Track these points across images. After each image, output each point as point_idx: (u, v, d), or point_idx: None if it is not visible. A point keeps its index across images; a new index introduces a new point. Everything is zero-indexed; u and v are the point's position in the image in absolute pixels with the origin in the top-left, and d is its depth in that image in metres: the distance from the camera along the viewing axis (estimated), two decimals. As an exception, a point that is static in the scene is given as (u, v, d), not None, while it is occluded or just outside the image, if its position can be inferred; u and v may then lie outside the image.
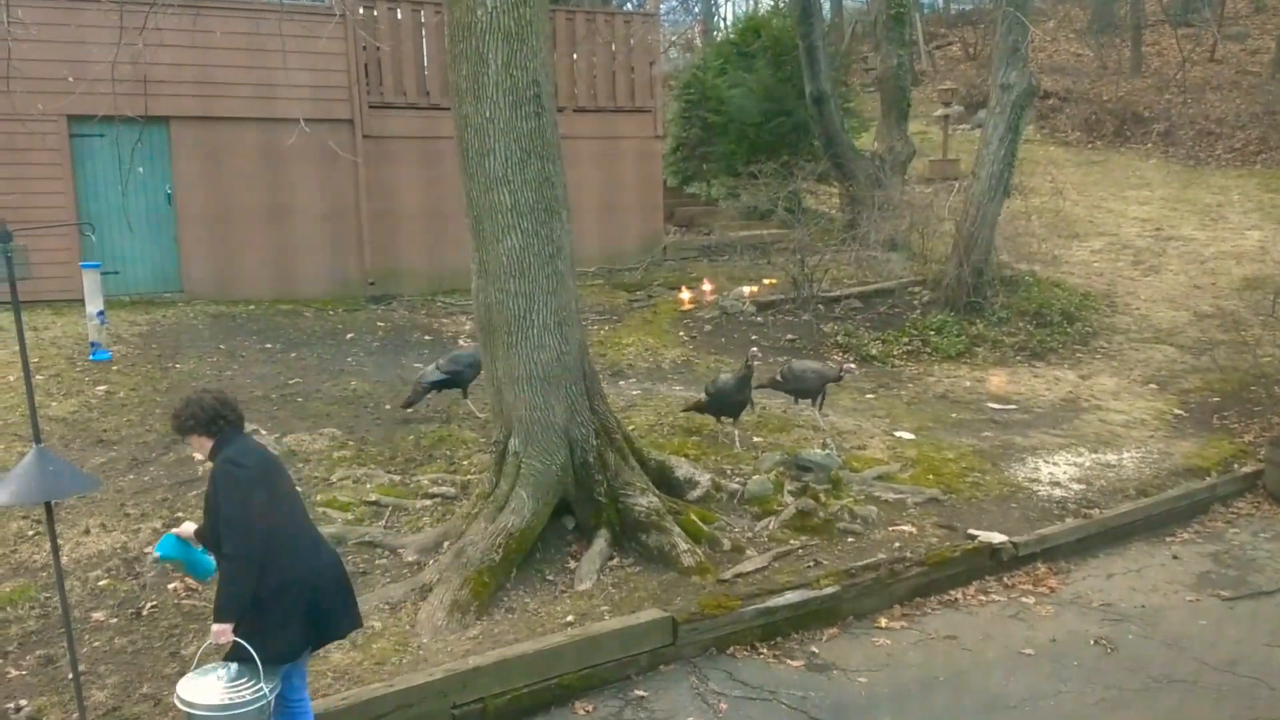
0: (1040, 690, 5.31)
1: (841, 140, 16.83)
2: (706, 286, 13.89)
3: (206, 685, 3.92)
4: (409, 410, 8.83)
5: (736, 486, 7.32)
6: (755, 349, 8.78)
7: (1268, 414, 9.92)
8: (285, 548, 4.03)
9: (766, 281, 14.04)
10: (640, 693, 5.28)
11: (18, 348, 4.49)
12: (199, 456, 4.35)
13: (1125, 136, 23.03)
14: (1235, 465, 8.78)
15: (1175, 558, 7.24)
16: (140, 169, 12.23)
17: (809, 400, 8.67)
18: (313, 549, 4.20)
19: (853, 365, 9.07)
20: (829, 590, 6.06)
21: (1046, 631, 6.01)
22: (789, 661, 5.63)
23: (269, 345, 11.00)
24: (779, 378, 8.69)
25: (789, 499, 7.15)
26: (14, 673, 5.11)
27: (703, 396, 8.46)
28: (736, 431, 8.34)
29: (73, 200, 12.19)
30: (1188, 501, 8.06)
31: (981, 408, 10.02)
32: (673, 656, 5.56)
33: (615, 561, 6.34)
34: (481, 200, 6.20)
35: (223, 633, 3.94)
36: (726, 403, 8.28)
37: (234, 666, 3.97)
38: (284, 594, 4.01)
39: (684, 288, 13.91)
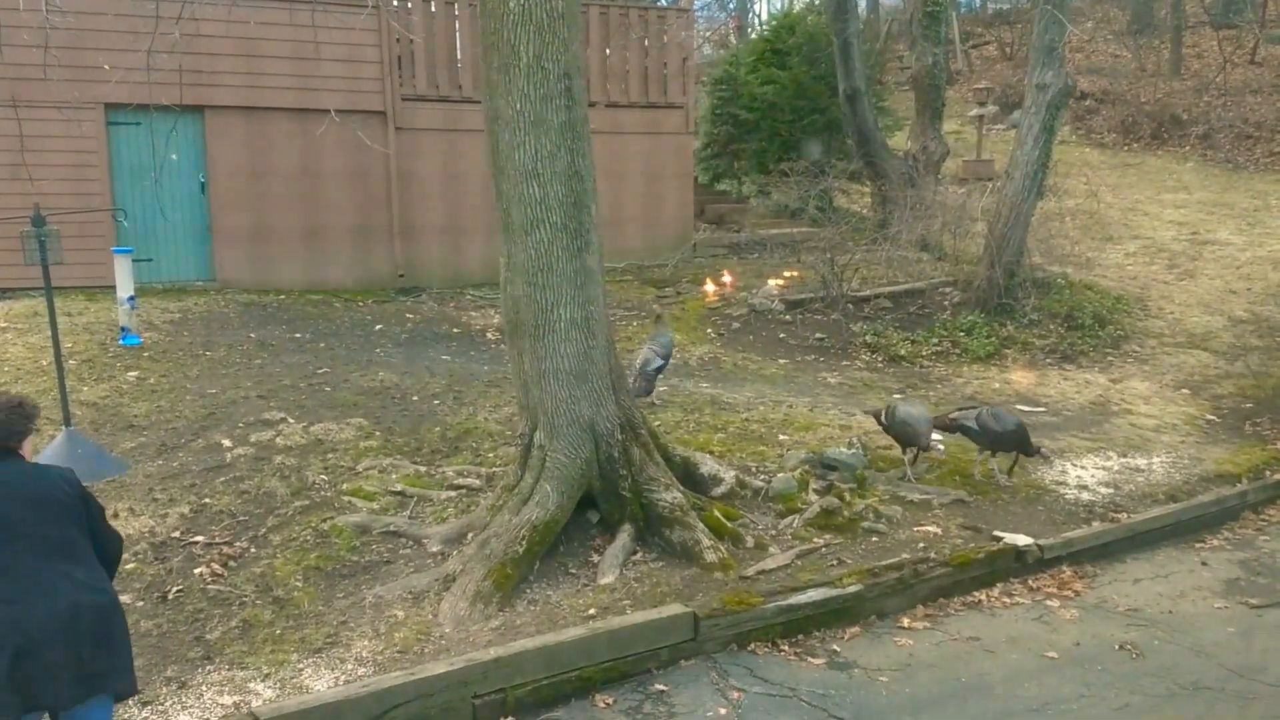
0: (1063, 694, 5.27)
1: (875, 139, 16.75)
2: (727, 278, 13.88)
3: None
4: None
5: (761, 484, 7.30)
6: (985, 408, 7.95)
7: (1301, 421, 9.81)
8: None
9: (788, 274, 13.99)
10: (660, 687, 5.28)
11: (50, 332, 4.54)
12: None
13: (1162, 139, 22.76)
14: (1267, 472, 8.66)
15: (1204, 564, 7.16)
16: (174, 156, 12.36)
17: (988, 451, 7.99)
18: (32, 596, 3.57)
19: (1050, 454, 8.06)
20: (851, 589, 6.03)
21: (1071, 635, 5.96)
22: (810, 659, 5.61)
23: (298, 335, 11.07)
24: (974, 424, 7.81)
25: (813, 497, 7.13)
26: (42, 652, 5.17)
27: (967, 423, 7.83)
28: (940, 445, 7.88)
29: (108, 188, 12.32)
30: (1218, 508, 7.96)
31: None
32: (694, 652, 5.55)
33: (638, 556, 6.35)
34: (511, 193, 6.21)
35: None
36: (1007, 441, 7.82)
37: None
38: None
39: (708, 280, 13.90)
